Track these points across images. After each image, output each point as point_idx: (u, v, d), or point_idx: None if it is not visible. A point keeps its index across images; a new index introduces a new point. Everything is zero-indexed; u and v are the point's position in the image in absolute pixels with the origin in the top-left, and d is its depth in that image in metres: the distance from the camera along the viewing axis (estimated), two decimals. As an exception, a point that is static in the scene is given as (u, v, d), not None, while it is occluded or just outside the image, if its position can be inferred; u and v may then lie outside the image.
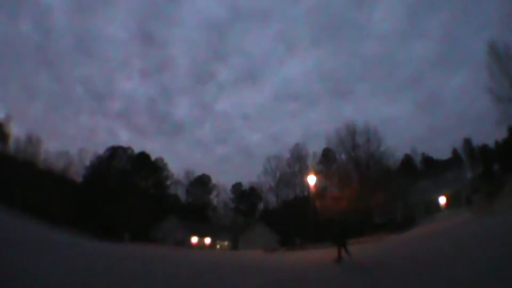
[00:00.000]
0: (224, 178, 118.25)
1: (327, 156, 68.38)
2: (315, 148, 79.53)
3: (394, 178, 53.95)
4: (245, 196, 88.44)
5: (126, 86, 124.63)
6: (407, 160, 76.19)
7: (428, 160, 78.34)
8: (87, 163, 76.54)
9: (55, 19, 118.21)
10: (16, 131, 76.04)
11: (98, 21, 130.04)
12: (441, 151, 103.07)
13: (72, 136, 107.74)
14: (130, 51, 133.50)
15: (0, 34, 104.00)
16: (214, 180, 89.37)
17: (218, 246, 68.90)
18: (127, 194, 65.13)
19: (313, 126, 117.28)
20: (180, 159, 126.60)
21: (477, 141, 70.97)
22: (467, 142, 72.33)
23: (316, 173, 48.24)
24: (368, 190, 50.16)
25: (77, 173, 75.06)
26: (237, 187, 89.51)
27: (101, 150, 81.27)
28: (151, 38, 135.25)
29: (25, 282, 6.37)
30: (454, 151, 72.56)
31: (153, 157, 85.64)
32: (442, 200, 50.77)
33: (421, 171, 71.03)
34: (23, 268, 7.74)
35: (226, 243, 70.43)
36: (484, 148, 67.65)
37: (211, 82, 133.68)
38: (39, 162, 69.19)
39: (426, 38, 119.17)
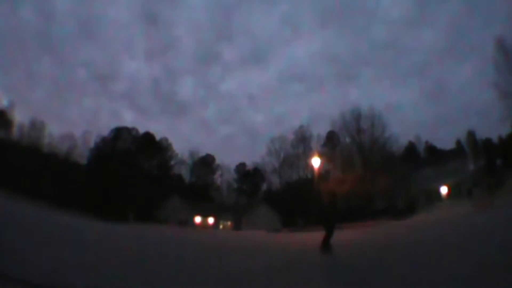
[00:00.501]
0: (228, 159, 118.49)
1: (331, 139, 68.56)
2: (319, 130, 79.62)
3: (397, 164, 54.24)
4: (249, 176, 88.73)
5: (130, 67, 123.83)
6: (411, 148, 76.21)
7: (431, 149, 78.41)
8: (92, 145, 77.23)
9: (57, 3, 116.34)
10: (19, 117, 76.72)
11: (101, 3, 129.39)
12: (445, 141, 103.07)
13: (76, 119, 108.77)
14: (134, 33, 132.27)
15: (1, 22, 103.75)
16: (218, 160, 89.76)
17: (221, 226, 69.56)
18: (131, 174, 65.53)
19: (318, 108, 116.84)
20: (184, 139, 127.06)
21: (481, 134, 71.17)
22: (471, 134, 72.53)
23: (320, 156, 48.51)
24: (371, 175, 50.52)
25: (82, 156, 75.92)
26: (240, 167, 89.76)
27: (105, 131, 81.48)
28: (156, 19, 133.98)
29: (30, 265, 6.62)
30: (458, 142, 72.60)
31: (157, 137, 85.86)
32: (444, 190, 51.01)
33: (424, 159, 70.87)
34: (27, 251, 7.95)
35: (229, 223, 71.00)
36: (487, 142, 67.58)
37: (216, 63, 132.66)
38: (43, 146, 70.07)
39: (434, 27, 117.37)
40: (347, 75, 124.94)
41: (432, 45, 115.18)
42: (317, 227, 38.83)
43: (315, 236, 19.14)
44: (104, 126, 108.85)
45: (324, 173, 56.26)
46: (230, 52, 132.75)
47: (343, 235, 22.80)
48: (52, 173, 56.21)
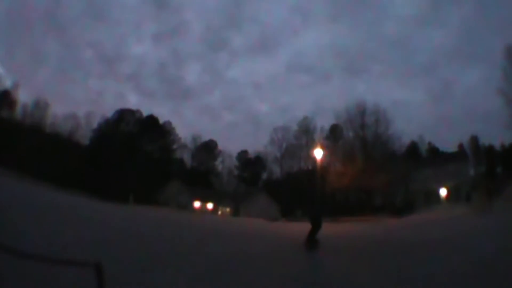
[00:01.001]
0: (231, 145, 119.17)
1: (334, 132, 68.61)
2: (323, 123, 79.16)
3: (398, 162, 54.18)
4: (250, 164, 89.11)
5: (137, 50, 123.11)
6: (413, 147, 76.33)
7: (433, 150, 78.59)
8: (95, 126, 77.48)
9: None
10: (24, 98, 76.91)
11: None
12: (447, 144, 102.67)
13: (80, 100, 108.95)
14: (142, 15, 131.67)
15: (10, 2, 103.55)
16: (220, 146, 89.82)
17: (219, 212, 69.86)
18: (133, 156, 65.79)
19: (323, 101, 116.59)
20: (187, 124, 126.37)
21: (484, 139, 71.31)
22: (474, 139, 72.52)
23: (323, 148, 48.65)
24: (372, 170, 50.37)
25: (84, 136, 76.21)
26: (242, 155, 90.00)
27: (109, 113, 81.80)
28: (165, 2, 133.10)
29: (31, 243, 6.79)
30: (460, 146, 72.85)
31: (161, 121, 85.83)
32: (443, 191, 51.28)
33: (425, 160, 71.18)
34: (28, 230, 8.11)
35: (228, 209, 71.36)
36: (489, 149, 67.80)
37: (223, 49, 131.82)
38: (46, 126, 70.30)
39: (445, 28, 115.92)
40: (354, 69, 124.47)
41: (441, 46, 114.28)
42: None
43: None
44: (108, 108, 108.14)
45: (325, 165, 56.27)
46: (238, 39, 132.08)
47: (338, 227, 23.09)
48: (54, 153, 56.55)
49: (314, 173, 54.20)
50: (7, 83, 71.87)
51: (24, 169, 43.33)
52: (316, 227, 11.68)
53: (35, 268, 4.56)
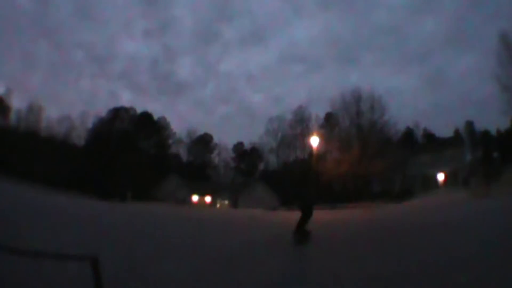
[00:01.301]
0: (226, 138, 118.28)
1: (329, 120, 68.65)
2: (318, 112, 79.14)
3: (395, 148, 54.68)
4: (246, 156, 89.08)
5: (128, 47, 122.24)
6: (409, 133, 76.53)
7: (429, 136, 79.02)
8: (89, 126, 77.48)
9: None
10: (17, 103, 76.93)
11: None
12: (442, 129, 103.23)
13: (73, 101, 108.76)
14: (132, 12, 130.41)
15: None
16: (215, 139, 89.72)
17: (218, 205, 70.10)
18: (129, 154, 65.88)
19: (317, 90, 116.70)
20: (182, 119, 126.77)
21: (479, 125, 71.53)
22: (469, 124, 72.57)
23: (319, 135, 48.75)
24: (368, 157, 50.87)
25: (80, 137, 76.32)
26: (238, 146, 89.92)
27: (103, 112, 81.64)
28: None
29: (29, 243, 6.91)
30: (456, 131, 73.15)
31: (155, 117, 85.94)
32: (441, 176, 51.52)
33: (421, 145, 71.79)
34: (26, 231, 8.23)
35: (226, 202, 71.58)
36: (485, 134, 68.08)
37: (215, 42, 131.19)
38: (41, 130, 70.35)
39: (437, 15, 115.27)
40: (347, 58, 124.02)
41: (434, 33, 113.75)
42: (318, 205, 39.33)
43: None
44: (102, 107, 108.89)
45: (322, 154, 56.48)
46: (230, 31, 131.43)
47: (335, 214, 23.23)
48: (50, 156, 56.67)
49: (308, 160, 54.60)
50: (0, 90, 72.27)
51: (21, 173, 43.47)
52: (306, 215, 9.90)
53: (30, 265, 4.72)
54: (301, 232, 9.60)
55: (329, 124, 68.48)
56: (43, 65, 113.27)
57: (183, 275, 5.53)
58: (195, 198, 68.85)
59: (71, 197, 32.53)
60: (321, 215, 20.40)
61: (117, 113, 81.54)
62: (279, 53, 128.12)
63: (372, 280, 5.17)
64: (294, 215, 21.90)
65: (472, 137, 69.85)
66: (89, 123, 77.45)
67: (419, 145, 71.48)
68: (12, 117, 70.09)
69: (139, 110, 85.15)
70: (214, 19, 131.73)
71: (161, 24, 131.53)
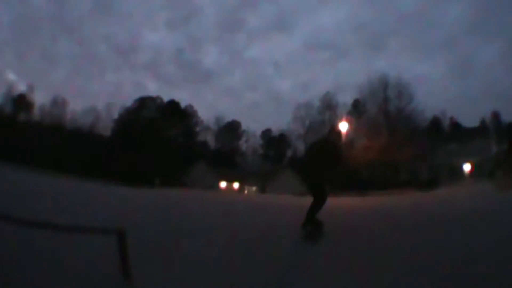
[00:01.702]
0: (254, 125, 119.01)
1: (357, 106, 67.98)
2: (345, 98, 78.64)
3: (422, 137, 53.65)
4: (274, 142, 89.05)
5: (152, 38, 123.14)
6: (435, 122, 75.03)
7: (455, 125, 77.09)
8: (115, 116, 79.50)
9: None
10: (42, 99, 79.29)
11: None
12: (469, 119, 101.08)
13: (99, 93, 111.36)
14: (153, 4, 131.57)
15: (13, 12, 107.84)
16: (243, 126, 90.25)
17: (246, 191, 70.39)
18: (156, 142, 66.66)
19: (344, 76, 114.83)
20: (209, 107, 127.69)
21: (505, 116, 68.98)
22: (495, 115, 70.92)
23: (348, 121, 48.33)
24: (396, 145, 50.26)
25: (106, 128, 78.63)
26: (266, 133, 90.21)
27: (129, 103, 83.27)
28: None
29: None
30: (482, 121, 71.45)
31: (182, 105, 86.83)
32: (467, 167, 50.42)
33: (448, 135, 70.10)
34: (52, 216, 8.45)
35: (254, 188, 71.80)
36: (511, 126, 66.31)
37: (240, 30, 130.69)
38: (66, 123, 73.00)
39: (464, 2, 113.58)
40: (373, 44, 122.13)
41: (460, 20, 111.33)
42: (342, 191, 39.03)
43: (335, 200, 19.40)
44: (128, 98, 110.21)
45: (350, 140, 56.05)
46: (255, 19, 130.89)
47: (362, 202, 22.98)
48: (76, 147, 58.05)
49: (328, 135, 53.80)
50: (21, 88, 74.39)
51: (46, 165, 44.62)
52: (318, 201, 7.52)
53: (60, 239, 4.98)
54: (310, 223, 7.43)
55: (356, 110, 67.82)
56: (66, 60, 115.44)
57: (208, 253, 5.60)
58: (223, 184, 69.37)
59: (96, 184, 33.06)
60: (349, 202, 20.34)
61: (144, 102, 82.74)
62: (304, 40, 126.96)
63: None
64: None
65: (498, 128, 67.73)
66: (115, 114, 79.66)
67: (445, 134, 70.01)
68: (36, 112, 73.17)
69: (165, 99, 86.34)
70: (238, 7, 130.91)
71: (184, 14, 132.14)
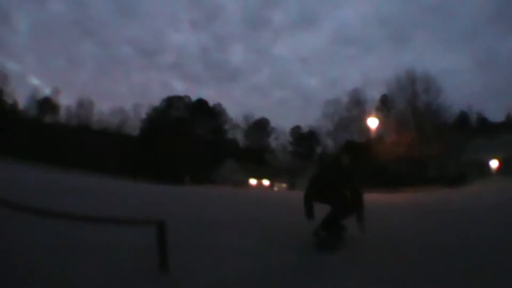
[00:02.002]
0: (283, 122, 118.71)
1: (385, 102, 67.14)
2: (373, 94, 77.80)
3: (449, 132, 52.78)
4: (304, 139, 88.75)
5: (176, 39, 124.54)
6: (462, 117, 73.62)
7: (482, 120, 75.08)
8: (143, 116, 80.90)
9: None
10: (67, 101, 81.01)
11: None
12: (494, 113, 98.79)
13: (125, 94, 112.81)
14: (176, 5, 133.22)
15: (33, 19, 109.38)
16: (272, 123, 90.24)
17: (275, 188, 70.47)
18: (185, 140, 67.33)
19: (371, 71, 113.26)
20: (237, 105, 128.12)
21: None
22: None
23: (377, 117, 47.89)
24: (424, 140, 49.58)
25: (134, 127, 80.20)
26: (295, 130, 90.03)
27: (156, 103, 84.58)
28: None
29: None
30: (508, 116, 69.35)
31: (210, 103, 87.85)
32: (494, 163, 49.17)
33: (474, 130, 68.25)
34: (97, 207, 8.73)
35: (283, 185, 71.85)
36: None
37: (265, 28, 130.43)
38: (93, 124, 74.63)
39: None
40: (398, 38, 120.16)
41: (482, 11, 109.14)
42: (370, 188, 38.57)
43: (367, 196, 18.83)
44: (155, 98, 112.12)
45: (378, 136, 55.63)
46: (279, 15, 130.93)
47: (395, 198, 22.73)
48: (104, 147, 59.33)
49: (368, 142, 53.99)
50: (46, 91, 76.40)
51: (74, 165, 45.63)
52: (339, 212, 5.74)
53: (97, 231, 5.19)
54: (325, 228, 5.66)
55: (385, 106, 67.05)
56: (91, 63, 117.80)
57: (243, 244, 5.73)
58: (252, 181, 69.64)
59: (129, 182, 33.63)
60: (379, 198, 20.21)
61: (172, 101, 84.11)
62: (330, 36, 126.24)
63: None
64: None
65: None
66: (143, 114, 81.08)
67: (472, 129, 68.40)
68: (62, 114, 74.86)
69: (193, 98, 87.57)
70: (262, 4, 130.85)
71: (208, 14, 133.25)
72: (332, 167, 6.10)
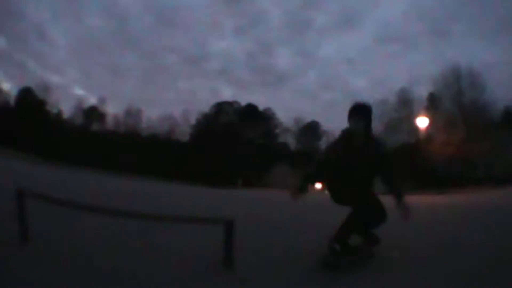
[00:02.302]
0: (333, 124, 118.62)
1: (432, 100, 66.03)
2: (421, 92, 76.42)
3: (497, 130, 50.78)
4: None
5: (221, 46, 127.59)
6: (508, 113, 70.93)
7: None
8: (193, 122, 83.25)
9: (122, 5, 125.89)
10: (114, 110, 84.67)
11: None
12: None
13: (173, 101, 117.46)
14: (216, 13, 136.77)
15: (71, 34, 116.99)
16: (323, 126, 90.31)
17: (326, 191, 70.70)
18: (236, 145, 68.94)
19: (416, 69, 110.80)
20: (287, 108, 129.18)
21: None
22: None
23: (426, 116, 46.99)
24: (472, 139, 48.48)
25: (184, 133, 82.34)
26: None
27: (205, 109, 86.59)
28: None
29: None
30: None
31: (260, 108, 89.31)
32: None
33: None
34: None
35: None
36: None
37: (308, 30, 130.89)
38: (142, 131, 77.48)
39: None
40: (439, 32, 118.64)
41: None
42: (424, 190, 38.01)
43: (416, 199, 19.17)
44: (204, 104, 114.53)
45: (427, 136, 54.71)
46: (321, 17, 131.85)
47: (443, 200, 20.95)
48: (154, 153, 62.58)
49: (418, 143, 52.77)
50: (91, 101, 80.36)
51: (126, 170, 47.93)
52: (361, 215, 4.27)
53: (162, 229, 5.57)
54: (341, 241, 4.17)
55: (432, 104, 65.74)
56: (135, 72, 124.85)
57: (307, 248, 5.15)
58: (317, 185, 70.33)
59: (185, 186, 35.17)
60: (430, 200, 19.45)
61: (221, 107, 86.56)
62: (373, 34, 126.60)
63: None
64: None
65: None
66: (192, 120, 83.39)
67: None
68: (110, 122, 78.83)
69: (242, 103, 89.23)
70: (302, 7, 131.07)
71: (250, 20, 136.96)
72: (341, 144, 4.53)
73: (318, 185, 69.37)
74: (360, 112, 4.41)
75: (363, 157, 4.26)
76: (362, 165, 4.27)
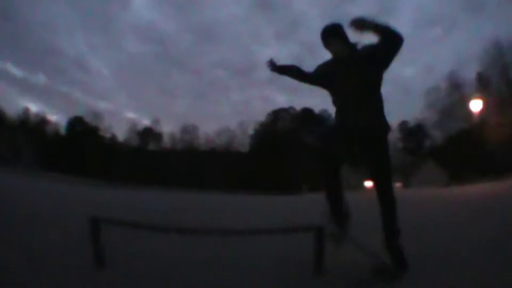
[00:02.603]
0: (390, 118, 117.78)
1: (481, 80, 61.41)
2: (469, 73, 74.42)
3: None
4: (413, 133, 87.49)
5: (266, 53, 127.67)
6: None
7: None
8: (250, 132, 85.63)
9: (159, 28, 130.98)
10: (169, 129, 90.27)
11: (207, 10, 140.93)
12: None
13: (228, 115, 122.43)
14: (254, 22, 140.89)
15: (112, 62, 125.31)
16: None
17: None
18: (298, 149, 70.88)
19: (460, 49, 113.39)
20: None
21: None
22: None
23: (480, 98, 45.00)
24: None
25: (243, 144, 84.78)
26: (403, 125, 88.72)
27: (261, 118, 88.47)
28: (268, 2, 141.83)
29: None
30: None
31: (316, 111, 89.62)
32: None
33: None
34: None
35: (398, 184, 71.91)
36: None
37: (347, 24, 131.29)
38: (199, 146, 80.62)
39: None
40: (473, 7, 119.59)
41: None
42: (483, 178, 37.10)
43: (479, 188, 19.98)
44: (259, 113, 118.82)
45: (481, 119, 52.41)
46: (359, 9, 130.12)
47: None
48: (213, 166, 65.15)
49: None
50: (144, 122, 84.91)
51: (187, 185, 50.65)
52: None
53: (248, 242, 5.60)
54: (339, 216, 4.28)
55: (481, 85, 60.97)
56: (185, 91, 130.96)
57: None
58: (368, 183, 71.17)
59: (252, 196, 35.52)
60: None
61: (277, 114, 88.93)
62: (412, 21, 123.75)
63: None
64: (467, 190, 20.95)
65: None
66: (249, 131, 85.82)
67: None
68: (165, 141, 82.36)
69: (298, 108, 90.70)
70: (338, 2, 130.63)
71: (289, 23, 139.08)
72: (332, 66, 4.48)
73: (369, 183, 71.10)
74: (332, 33, 4.37)
75: (355, 66, 4.13)
76: (359, 72, 4.10)
